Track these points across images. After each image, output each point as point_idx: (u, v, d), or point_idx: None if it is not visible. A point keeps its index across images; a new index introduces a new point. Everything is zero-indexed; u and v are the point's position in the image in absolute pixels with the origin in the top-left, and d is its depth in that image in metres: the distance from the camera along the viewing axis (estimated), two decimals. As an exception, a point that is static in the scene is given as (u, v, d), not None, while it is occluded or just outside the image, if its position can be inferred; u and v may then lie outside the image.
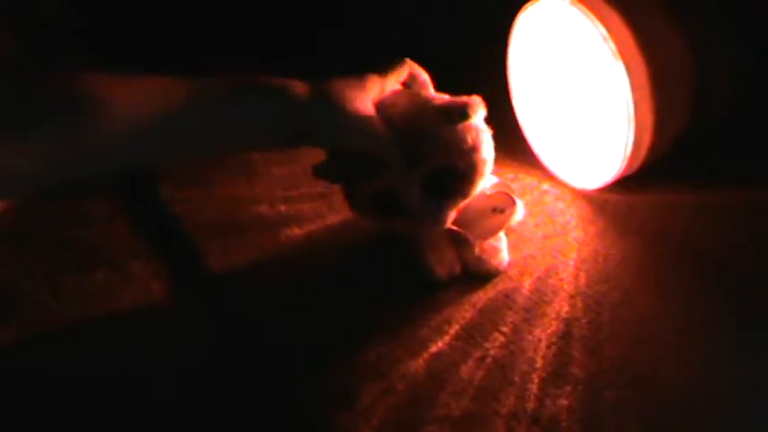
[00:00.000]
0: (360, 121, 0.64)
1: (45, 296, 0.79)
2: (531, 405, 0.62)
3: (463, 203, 0.71)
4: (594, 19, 0.74)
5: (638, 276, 0.73)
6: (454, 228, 0.72)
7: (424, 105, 0.69)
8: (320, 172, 0.72)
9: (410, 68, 0.71)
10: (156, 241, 0.85)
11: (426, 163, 0.68)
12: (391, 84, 0.70)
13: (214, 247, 0.81)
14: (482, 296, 0.72)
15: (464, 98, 0.68)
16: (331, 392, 0.65)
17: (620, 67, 0.73)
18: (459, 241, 0.73)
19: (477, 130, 0.69)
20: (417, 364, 0.66)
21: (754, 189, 0.84)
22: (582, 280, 0.73)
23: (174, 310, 0.77)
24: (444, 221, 0.70)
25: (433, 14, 0.76)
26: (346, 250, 0.80)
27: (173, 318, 0.76)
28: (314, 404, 0.65)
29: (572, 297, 0.71)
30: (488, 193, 0.75)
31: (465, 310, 0.71)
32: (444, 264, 0.74)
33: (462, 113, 0.67)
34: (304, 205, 0.87)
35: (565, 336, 0.67)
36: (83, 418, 0.66)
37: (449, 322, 0.70)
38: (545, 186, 0.87)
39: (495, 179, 0.76)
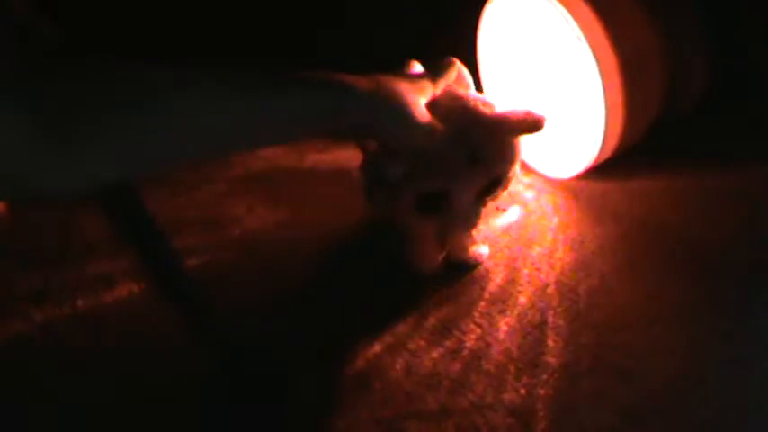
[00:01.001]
0: (418, 116, 0.63)
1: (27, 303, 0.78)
2: (507, 396, 0.62)
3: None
4: (563, 8, 0.74)
5: (613, 263, 0.73)
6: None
7: (481, 109, 0.68)
8: (370, 172, 0.70)
9: (458, 70, 0.70)
10: (133, 240, 0.80)
11: (491, 171, 0.68)
12: (442, 86, 0.68)
13: (193, 247, 0.81)
14: (458, 288, 0.72)
15: (531, 111, 0.68)
16: (309, 389, 0.65)
17: (588, 53, 0.73)
18: (449, 228, 0.72)
19: (523, 146, 0.70)
20: (394, 360, 0.66)
21: (729, 173, 0.84)
22: (557, 268, 0.73)
23: (153, 311, 0.75)
24: (478, 224, 0.71)
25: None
26: (324, 249, 0.80)
27: (151, 319, 0.74)
28: (291, 401, 0.64)
29: (547, 286, 0.71)
30: None
31: (442, 303, 0.71)
32: (430, 257, 0.74)
33: (538, 126, 0.68)
34: (282, 207, 0.86)
35: (540, 325, 0.67)
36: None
37: (425, 317, 0.70)
38: (521, 176, 0.87)
39: None
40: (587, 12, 0.74)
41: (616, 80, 0.74)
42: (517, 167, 0.70)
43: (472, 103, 0.68)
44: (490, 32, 0.85)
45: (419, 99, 0.64)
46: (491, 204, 0.74)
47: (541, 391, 0.61)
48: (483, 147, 0.67)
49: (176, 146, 0.52)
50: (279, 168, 0.93)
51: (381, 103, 0.61)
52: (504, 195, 0.74)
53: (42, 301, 0.76)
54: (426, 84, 0.66)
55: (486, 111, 0.68)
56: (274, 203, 0.87)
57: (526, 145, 0.71)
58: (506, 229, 0.79)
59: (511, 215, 0.79)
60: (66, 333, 0.73)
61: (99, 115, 0.48)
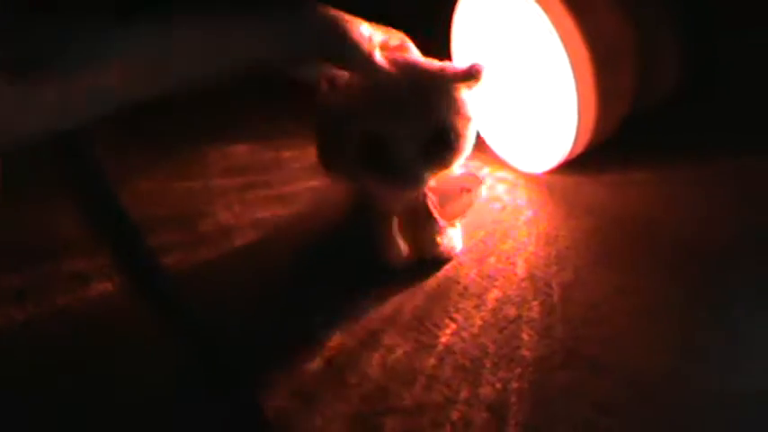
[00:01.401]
0: (362, 40, 0.67)
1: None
2: (482, 391, 0.62)
3: (439, 175, 0.71)
4: (533, 2, 0.74)
5: (587, 257, 0.74)
6: (430, 208, 0.73)
7: (428, 64, 0.71)
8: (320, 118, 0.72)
9: (404, 39, 0.72)
10: (107, 240, 0.83)
11: (432, 119, 0.68)
12: (379, 31, 0.70)
13: (167, 247, 0.80)
14: (433, 283, 0.72)
15: (479, 65, 0.70)
16: (283, 385, 0.64)
17: (559, 46, 0.73)
18: (421, 222, 0.73)
19: (472, 103, 0.70)
20: (369, 356, 0.66)
21: (703, 165, 0.84)
22: (532, 262, 0.73)
23: (126, 309, 0.74)
24: (424, 184, 0.70)
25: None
26: (297, 244, 0.80)
27: (124, 317, 0.74)
28: (269, 401, 0.64)
29: (522, 280, 0.72)
30: (456, 175, 0.75)
31: (416, 298, 0.71)
32: (400, 249, 0.74)
33: (477, 73, 0.69)
34: (258, 206, 0.86)
35: (516, 319, 0.67)
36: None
37: (400, 312, 0.70)
38: (495, 172, 0.87)
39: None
40: (558, 5, 0.74)
41: (588, 73, 0.74)
42: (469, 131, 0.70)
43: (413, 58, 0.71)
44: (464, 27, 0.85)
45: (367, 28, 0.68)
46: (458, 191, 0.74)
47: (516, 385, 0.61)
48: (423, 93, 0.68)
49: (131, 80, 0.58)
50: (255, 164, 0.92)
51: (326, 16, 0.66)
52: (470, 177, 0.75)
53: (23, 301, 0.76)
54: (362, 22, 0.69)
55: (434, 65, 0.70)
56: (249, 199, 0.87)
57: (476, 104, 0.71)
58: (480, 224, 0.79)
59: (478, 195, 0.77)
60: (45, 331, 0.73)
61: (58, 58, 0.54)
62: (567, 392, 0.61)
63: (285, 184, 0.89)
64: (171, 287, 0.77)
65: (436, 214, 0.73)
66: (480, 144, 0.85)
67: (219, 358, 0.70)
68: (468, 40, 0.85)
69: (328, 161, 0.73)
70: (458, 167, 0.73)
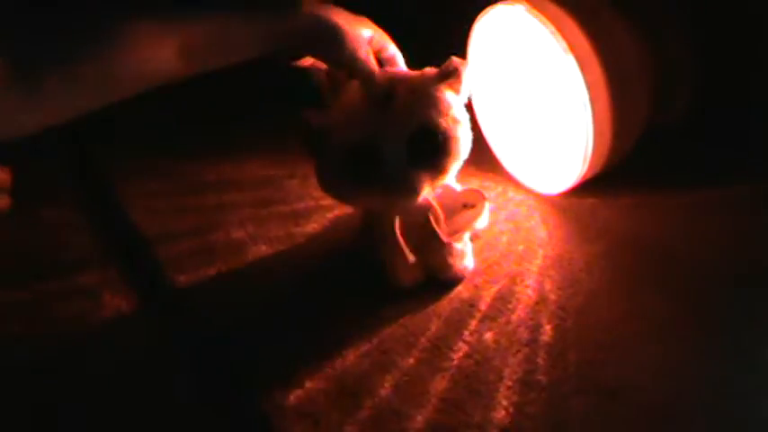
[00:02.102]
0: (356, 38, 0.68)
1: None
2: (497, 414, 0.61)
3: (438, 182, 0.71)
4: (552, 27, 0.74)
5: (602, 280, 0.73)
6: (432, 224, 0.72)
7: (412, 71, 0.72)
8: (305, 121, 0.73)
9: (397, 53, 0.74)
10: (120, 255, 0.84)
11: (413, 118, 0.68)
12: (381, 38, 0.72)
13: (180, 263, 0.81)
14: (446, 305, 0.72)
15: (456, 60, 0.71)
16: (297, 410, 0.64)
17: (575, 68, 0.73)
18: (429, 241, 0.73)
19: (460, 106, 0.70)
20: (383, 379, 0.65)
21: (717, 189, 0.84)
22: (547, 286, 0.73)
23: (138, 325, 0.75)
24: (419, 192, 0.69)
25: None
26: (311, 266, 0.79)
27: (136, 333, 0.74)
28: (280, 422, 0.64)
29: (536, 304, 0.71)
30: (458, 191, 0.76)
31: (429, 321, 0.71)
32: (409, 270, 0.73)
33: (455, 69, 0.70)
34: (272, 223, 0.86)
35: (530, 343, 0.67)
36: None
37: (414, 334, 0.69)
38: (509, 193, 0.87)
39: (461, 187, 0.77)
40: (574, 28, 0.75)
41: (603, 95, 0.74)
42: (459, 132, 0.69)
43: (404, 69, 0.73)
44: (480, 49, 0.85)
45: (358, 29, 0.69)
46: (459, 206, 0.75)
47: (530, 410, 0.61)
48: (402, 96, 0.69)
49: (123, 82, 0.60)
50: (269, 180, 0.93)
51: (322, 13, 0.67)
52: (473, 193, 0.75)
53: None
54: (368, 23, 0.71)
55: (417, 71, 0.72)
56: (262, 216, 0.87)
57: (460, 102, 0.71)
58: (494, 246, 0.79)
59: (484, 215, 0.77)
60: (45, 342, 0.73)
61: (60, 57, 0.56)
62: (582, 418, 0.60)
63: (299, 201, 0.89)
64: (183, 306, 0.77)
65: (438, 229, 0.72)
66: (495, 164, 0.88)
67: (228, 378, 0.70)
68: (484, 61, 0.86)
69: (324, 183, 0.73)
70: (453, 177, 0.73)
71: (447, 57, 0.72)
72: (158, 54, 0.61)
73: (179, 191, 0.93)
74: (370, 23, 0.72)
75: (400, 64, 0.74)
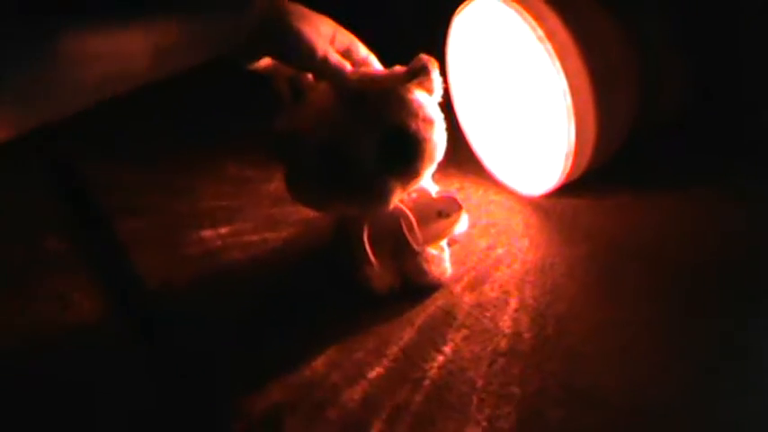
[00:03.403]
0: (313, 37, 0.65)
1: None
2: (470, 430, 0.58)
3: (410, 187, 0.68)
4: (531, 20, 0.71)
5: (584, 285, 0.71)
6: (404, 231, 0.70)
7: (378, 71, 0.70)
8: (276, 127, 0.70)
9: (369, 54, 0.71)
10: (90, 257, 0.83)
11: (382, 120, 0.65)
12: (343, 36, 0.69)
13: (152, 268, 0.79)
14: (421, 312, 0.69)
15: (424, 57, 0.68)
16: (262, 419, 0.61)
17: (556, 65, 0.70)
18: (403, 248, 0.70)
19: (432, 106, 0.67)
20: (352, 390, 0.63)
21: (705, 190, 0.81)
22: (527, 292, 0.70)
23: (106, 330, 0.74)
24: (391, 198, 0.66)
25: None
26: (283, 271, 0.77)
27: (104, 337, 0.73)
28: (239, 428, 0.61)
29: (516, 311, 0.68)
30: (433, 197, 0.72)
31: (403, 329, 0.68)
32: (383, 276, 0.71)
33: (423, 68, 0.67)
34: (247, 227, 0.84)
35: (507, 353, 0.64)
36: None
37: (386, 343, 0.66)
38: (490, 194, 0.84)
39: (438, 188, 0.74)
40: (553, 18, 0.72)
41: (585, 87, 0.72)
42: (430, 134, 0.66)
43: (372, 68, 0.70)
44: (459, 44, 0.82)
45: (317, 27, 0.66)
46: (434, 214, 0.72)
47: (505, 425, 0.58)
48: (372, 97, 0.66)
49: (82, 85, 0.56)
50: (244, 185, 0.90)
51: (276, 8, 0.64)
52: (448, 200, 0.71)
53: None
54: (328, 21, 0.67)
55: (385, 71, 0.69)
56: (237, 221, 0.85)
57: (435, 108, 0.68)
58: (472, 249, 0.76)
59: (461, 222, 0.74)
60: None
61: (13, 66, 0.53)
62: (560, 430, 0.57)
63: (274, 206, 0.86)
64: (154, 311, 0.75)
65: (409, 237, 0.70)
66: (476, 164, 0.85)
67: (193, 387, 0.67)
68: (464, 57, 0.83)
69: (293, 188, 0.70)
70: (429, 179, 0.71)
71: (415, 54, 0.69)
72: (129, 55, 0.58)
73: (152, 193, 0.91)
74: (330, 21, 0.68)
75: (374, 65, 0.71)
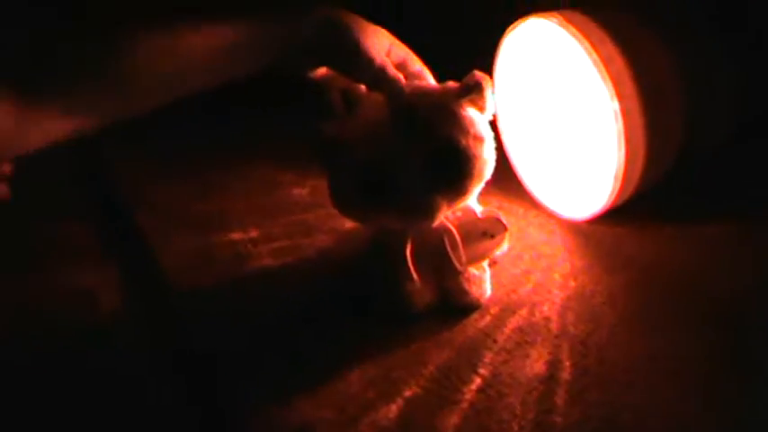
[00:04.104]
0: (371, 48, 0.65)
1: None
2: (508, 457, 0.57)
3: (457, 204, 0.68)
4: (585, 42, 0.70)
5: (625, 314, 0.69)
6: (447, 249, 0.69)
7: (433, 85, 0.69)
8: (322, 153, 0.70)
9: (424, 69, 0.71)
10: (118, 255, 0.83)
11: (432, 135, 0.65)
12: (399, 49, 0.69)
13: (180, 272, 0.78)
14: (460, 333, 0.68)
15: (478, 74, 0.67)
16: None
17: (610, 90, 0.70)
18: (445, 266, 0.69)
19: (483, 124, 0.67)
20: (389, 409, 0.61)
21: (753, 219, 0.80)
22: (568, 318, 0.69)
23: (131, 329, 0.73)
24: (437, 215, 0.65)
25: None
26: (317, 281, 0.76)
27: (128, 336, 0.72)
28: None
29: (556, 337, 0.67)
30: (479, 216, 0.71)
31: (441, 349, 0.66)
32: (422, 293, 0.70)
33: (477, 84, 0.66)
34: (278, 232, 0.83)
35: (547, 380, 0.63)
36: None
37: (424, 363, 0.65)
38: (529, 216, 0.83)
39: (482, 207, 0.73)
40: (608, 45, 0.71)
41: (638, 120, 0.71)
42: (480, 152, 0.66)
43: (425, 83, 0.70)
44: (508, 62, 0.81)
45: (376, 37, 0.66)
46: (478, 234, 0.71)
47: (546, 454, 0.57)
48: (421, 112, 0.66)
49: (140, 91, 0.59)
50: (277, 187, 0.90)
51: (335, 18, 0.64)
52: (494, 221, 0.71)
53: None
54: (385, 34, 0.68)
55: (439, 86, 0.69)
56: (269, 224, 0.84)
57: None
58: (513, 272, 0.75)
59: (505, 243, 0.73)
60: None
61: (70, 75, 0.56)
62: (601, 466, 0.56)
63: (309, 210, 0.86)
64: (178, 318, 0.74)
65: (452, 256, 0.69)
66: (517, 184, 0.85)
67: (216, 398, 0.66)
68: (512, 76, 0.82)
69: (336, 199, 0.69)
70: (475, 198, 0.70)
71: (469, 71, 0.68)
72: (187, 62, 0.60)
73: (183, 192, 0.91)
74: (386, 33, 0.68)
75: (428, 79, 0.71)
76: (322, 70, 0.68)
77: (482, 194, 0.70)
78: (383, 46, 0.66)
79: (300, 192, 0.89)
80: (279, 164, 0.94)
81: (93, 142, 0.94)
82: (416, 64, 0.70)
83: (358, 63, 0.65)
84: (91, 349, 0.70)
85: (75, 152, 0.96)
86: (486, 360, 0.65)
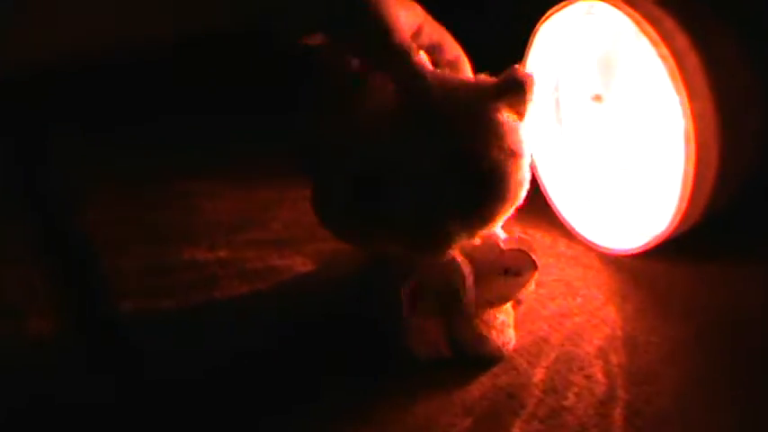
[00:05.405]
0: (392, 20, 0.53)
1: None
2: None
3: (477, 233, 0.56)
4: (650, 30, 0.58)
5: (691, 377, 0.57)
6: (460, 291, 0.57)
7: (466, 78, 0.58)
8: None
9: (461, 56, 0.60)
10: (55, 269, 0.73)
11: (453, 141, 0.53)
12: (433, 29, 0.57)
13: (134, 296, 0.68)
14: (478, 393, 0.55)
15: (520, 70, 0.55)
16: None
17: (680, 90, 0.58)
18: (455, 307, 0.57)
19: (521, 133, 0.55)
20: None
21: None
22: (616, 379, 0.56)
23: (63, 355, 0.63)
24: (449, 245, 0.54)
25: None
26: (294, 314, 0.65)
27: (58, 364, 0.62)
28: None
29: (602, 403, 0.54)
30: (502, 248, 0.59)
31: (453, 414, 0.53)
32: (429, 341, 0.58)
33: (519, 82, 0.55)
34: (250, 253, 0.73)
35: (594, 463, 0.50)
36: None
37: (425, 428, 0.53)
38: (560, 246, 0.71)
39: (505, 235, 0.61)
40: (680, 36, 0.59)
41: (711, 128, 0.59)
42: (513, 167, 0.54)
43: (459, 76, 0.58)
44: (542, 58, 0.70)
45: (406, 3, 0.55)
46: (500, 270, 0.59)
47: None
48: (443, 111, 0.54)
49: None
50: (251, 202, 0.81)
51: None
52: (520, 255, 0.59)
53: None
54: (417, 7, 0.56)
55: (461, 76, 0.58)
56: (239, 242, 0.75)
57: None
58: (543, 317, 0.62)
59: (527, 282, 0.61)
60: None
61: None
62: None
63: (287, 228, 0.76)
64: (131, 349, 0.65)
65: (463, 294, 0.57)
66: (545, 207, 0.74)
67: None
68: (546, 75, 0.71)
69: (323, 214, 0.58)
70: (500, 230, 0.59)
71: (505, 66, 0.56)
72: None
73: (140, 201, 0.82)
74: (421, 10, 0.56)
75: (464, 70, 0.59)
76: (317, 39, 0.56)
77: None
78: (411, 22, 0.55)
79: (278, 206, 0.80)
80: (253, 172, 0.85)
81: (36, 129, 0.90)
82: (453, 50, 0.58)
83: (372, 36, 0.52)
84: (9, 377, 0.61)
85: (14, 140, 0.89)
86: (511, 430, 0.52)
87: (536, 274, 0.59)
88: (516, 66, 0.56)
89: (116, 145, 0.89)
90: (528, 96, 0.55)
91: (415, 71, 0.54)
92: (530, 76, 0.55)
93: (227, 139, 0.90)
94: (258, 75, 0.89)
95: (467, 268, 0.57)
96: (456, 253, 0.57)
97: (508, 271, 0.59)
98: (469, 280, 0.57)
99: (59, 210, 0.82)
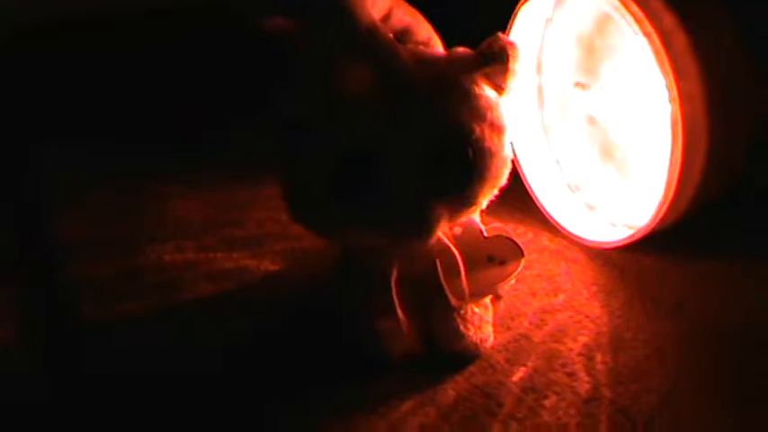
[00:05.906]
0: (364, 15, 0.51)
1: None
2: None
3: (461, 217, 0.54)
4: (635, 8, 0.56)
5: (680, 375, 0.54)
6: (440, 278, 0.55)
7: (439, 53, 0.56)
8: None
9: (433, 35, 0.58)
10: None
11: (433, 119, 0.51)
12: (403, 12, 0.55)
13: (91, 291, 0.67)
14: (452, 393, 0.53)
15: (503, 38, 0.53)
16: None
17: (666, 71, 0.55)
18: (435, 300, 0.55)
19: (503, 108, 0.53)
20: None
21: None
22: (600, 377, 0.53)
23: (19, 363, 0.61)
24: (433, 229, 0.52)
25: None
26: (265, 315, 0.63)
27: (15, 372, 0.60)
28: None
29: (586, 402, 0.51)
30: (485, 235, 0.58)
31: (426, 415, 0.51)
32: (401, 337, 0.55)
33: (501, 51, 0.52)
34: (220, 253, 0.71)
35: (578, 466, 0.47)
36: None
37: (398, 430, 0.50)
38: (542, 239, 0.69)
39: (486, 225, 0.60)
40: (667, 16, 0.57)
41: (700, 110, 0.57)
42: (495, 144, 0.52)
43: (431, 50, 0.56)
44: (521, 41, 0.67)
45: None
46: (483, 258, 0.58)
47: None
48: (423, 88, 0.52)
49: None
50: (221, 200, 0.79)
51: None
52: (504, 243, 0.58)
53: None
54: None
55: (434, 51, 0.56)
56: (208, 242, 0.73)
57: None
58: (524, 312, 0.60)
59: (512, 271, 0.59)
60: None
61: None
62: None
63: (259, 226, 0.74)
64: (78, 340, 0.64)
65: (444, 286, 0.55)
66: (525, 197, 0.72)
67: None
68: (526, 58, 0.67)
69: (295, 206, 0.55)
70: (477, 214, 0.57)
71: (486, 35, 0.54)
72: None
73: (105, 196, 0.80)
74: None
75: (436, 49, 0.57)
76: (278, 22, 0.54)
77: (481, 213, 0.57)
78: (380, 6, 0.53)
79: (250, 202, 0.78)
80: (223, 167, 0.83)
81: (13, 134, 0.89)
82: (423, 31, 0.57)
83: (336, 20, 0.50)
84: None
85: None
86: (488, 432, 0.50)
87: (523, 261, 0.58)
88: (499, 33, 0.54)
89: (87, 147, 0.87)
90: (511, 65, 0.53)
91: (384, 51, 0.51)
92: (513, 44, 0.53)
93: (198, 140, 0.89)
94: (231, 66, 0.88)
95: (451, 254, 0.55)
96: (442, 240, 0.55)
97: (493, 258, 0.58)
98: (454, 267, 0.55)
99: (28, 213, 0.80)
